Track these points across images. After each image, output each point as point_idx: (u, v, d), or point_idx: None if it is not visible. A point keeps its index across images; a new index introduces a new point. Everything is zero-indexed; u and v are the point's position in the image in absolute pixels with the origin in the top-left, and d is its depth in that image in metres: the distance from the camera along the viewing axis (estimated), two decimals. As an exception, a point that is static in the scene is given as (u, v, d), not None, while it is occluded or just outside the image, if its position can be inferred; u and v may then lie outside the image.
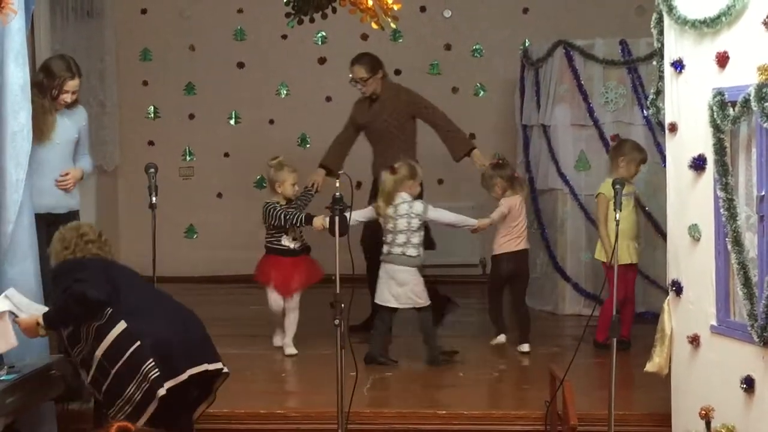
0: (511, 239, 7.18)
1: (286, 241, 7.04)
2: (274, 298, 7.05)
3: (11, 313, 4.78)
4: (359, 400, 5.55)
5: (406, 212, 6.83)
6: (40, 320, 4.68)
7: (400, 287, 6.80)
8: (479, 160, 7.52)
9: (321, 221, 6.80)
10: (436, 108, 7.74)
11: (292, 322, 7.04)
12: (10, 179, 5.19)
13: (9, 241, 5.18)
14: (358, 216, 6.80)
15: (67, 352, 4.86)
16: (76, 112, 6.16)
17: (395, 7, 5.47)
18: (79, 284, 4.58)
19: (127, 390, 4.53)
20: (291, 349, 6.99)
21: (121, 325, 4.58)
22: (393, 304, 6.84)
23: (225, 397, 5.18)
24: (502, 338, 7.19)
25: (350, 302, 5.11)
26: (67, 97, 6.04)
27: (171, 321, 4.73)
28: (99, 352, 4.59)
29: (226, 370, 4.85)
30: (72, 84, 6.05)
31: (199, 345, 4.74)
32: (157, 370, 4.51)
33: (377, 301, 6.93)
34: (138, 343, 4.54)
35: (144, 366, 4.52)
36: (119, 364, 4.56)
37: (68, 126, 6.08)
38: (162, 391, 4.50)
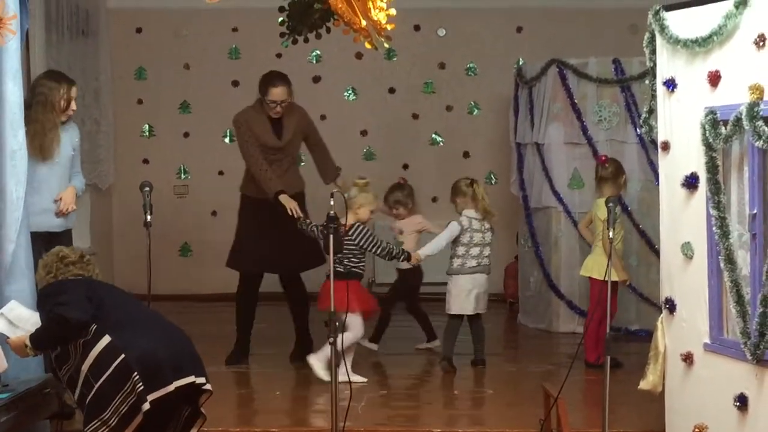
0: None
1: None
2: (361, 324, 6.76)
3: (1, 334, 4.78)
4: (354, 418, 5.54)
5: (479, 228, 7.15)
6: (27, 342, 4.69)
7: (481, 293, 7.14)
8: (345, 185, 7.21)
9: (418, 256, 7.09)
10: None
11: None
12: (11, 197, 5.19)
13: (11, 260, 5.18)
14: (444, 239, 7.11)
15: (55, 373, 4.85)
16: (70, 129, 6.14)
17: (389, 27, 5.49)
18: (59, 308, 4.59)
19: (113, 403, 4.49)
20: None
21: (106, 339, 4.55)
22: (471, 311, 7.13)
23: (219, 415, 5.18)
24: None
25: (344, 320, 5.12)
26: (74, 105, 6.03)
27: (157, 334, 4.69)
28: (85, 367, 4.57)
29: (209, 387, 4.78)
30: (75, 90, 6.06)
31: (185, 357, 4.71)
32: (142, 383, 4.48)
33: (453, 311, 7.12)
34: (122, 356, 4.50)
35: (130, 379, 4.48)
36: (104, 377, 4.52)
37: (66, 143, 6.06)
38: (146, 405, 4.46)
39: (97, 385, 4.53)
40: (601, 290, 6.90)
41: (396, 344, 7.75)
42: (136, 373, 4.46)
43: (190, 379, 4.64)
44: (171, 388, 4.55)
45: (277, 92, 7.08)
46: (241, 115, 7.24)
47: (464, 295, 7.09)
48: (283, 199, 6.88)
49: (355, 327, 6.56)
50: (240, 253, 7.24)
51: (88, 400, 4.56)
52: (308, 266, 7.24)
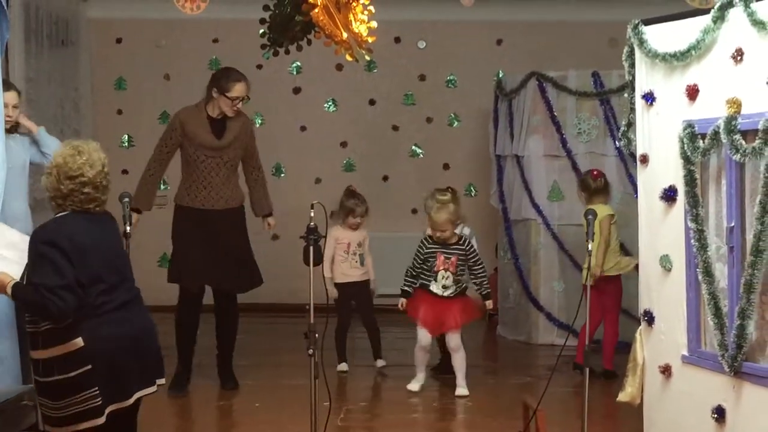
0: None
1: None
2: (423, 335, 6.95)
3: None
4: (334, 430, 5.53)
5: None
6: (9, 291, 4.34)
7: None
8: (273, 224, 7.20)
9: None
10: None
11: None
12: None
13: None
14: None
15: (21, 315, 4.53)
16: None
17: (369, 40, 5.51)
18: (46, 293, 4.19)
19: (71, 399, 4.28)
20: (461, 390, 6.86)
21: (78, 343, 4.25)
22: None
23: (199, 426, 5.17)
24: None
25: (324, 332, 5.11)
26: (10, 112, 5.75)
27: (131, 333, 4.38)
28: (51, 354, 4.30)
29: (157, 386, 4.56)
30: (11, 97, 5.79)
31: (153, 363, 4.49)
32: (99, 399, 4.25)
33: None
34: (89, 366, 4.25)
35: (87, 392, 4.25)
36: (67, 375, 4.27)
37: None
38: (101, 420, 4.27)
39: (58, 377, 4.29)
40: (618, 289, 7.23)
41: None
42: (97, 388, 4.25)
43: (152, 389, 4.48)
44: (130, 401, 4.38)
45: (239, 88, 6.79)
46: (179, 112, 6.93)
47: None
48: (134, 218, 6.26)
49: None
50: (179, 265, 6.88)
51: (43, 380, 4.33)
52: (243, 287, 6.92)
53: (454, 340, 6.84)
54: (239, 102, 6.84)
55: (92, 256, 4.32)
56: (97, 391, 4.27)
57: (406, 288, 6.85)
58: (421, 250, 6.83)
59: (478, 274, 6.88)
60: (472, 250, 6.88)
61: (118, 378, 4.32)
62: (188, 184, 6.87)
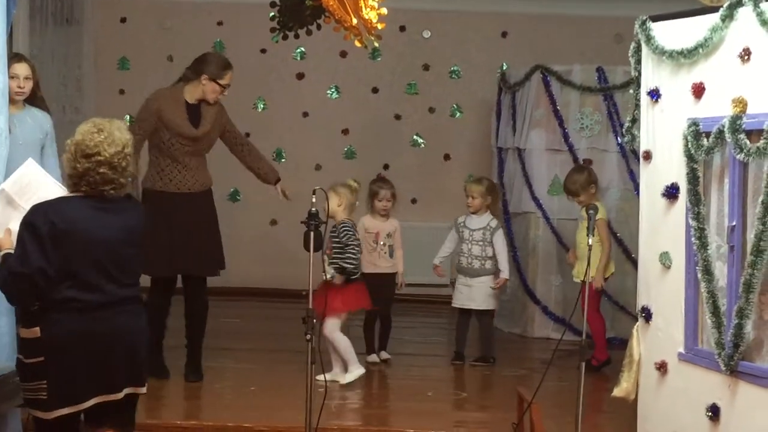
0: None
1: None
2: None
3: None
4: (328, 417, 5.54)
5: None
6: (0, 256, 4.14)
7: None
8: (287, 189, 7.04)
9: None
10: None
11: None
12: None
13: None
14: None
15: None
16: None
17: (379, 26, 5.49)
18: (6, 278, 4.00)
19: (24, 383, 4.14)
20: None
21: (36, 332, 4.05)
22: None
23: (193, 409, 5.17)
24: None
25: (322, 317, 5.12)
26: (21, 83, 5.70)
27: (98, 337, 4.07)
28: (21, 333, 4.13)
29: (144, 390, 4.29)
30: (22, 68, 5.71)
31: (122, 369, 4.15)
32: (45, 394, 4.03)
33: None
34: (41, 359, 4.03)
35: (37, 383, 4.06)
36: (25, 359, 4.10)
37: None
38: (49, 415, 4.05)
39: (20, 357, 4.14)
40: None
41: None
42: (45, 382, 4.04)
43: (116, 396, 4.15)
44: (85, 405, 4.11)
45: (230, 75, 6.62)
46: (155, 97, 6.63)
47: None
48: None
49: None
50: (148, 255, 6.52)
51: (17, 355, 4.20)
52: (212, 271, 6.77)
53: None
54: (222, 92, 6.65)
55: (75, 248, 4.02)
56: (45, 385, 4.05)
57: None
58: None
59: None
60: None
61: (71, 380, 4.05)
62: (160, 168, 6.62)
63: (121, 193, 4.18)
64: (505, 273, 7.42)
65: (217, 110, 6.75)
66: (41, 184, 4.30)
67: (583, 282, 5.20)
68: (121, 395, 4.18)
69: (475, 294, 7.44)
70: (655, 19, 5.07)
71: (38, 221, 3.99)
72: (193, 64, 6.70)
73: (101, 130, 4.15)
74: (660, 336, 5.07)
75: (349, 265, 6.65)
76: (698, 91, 4.75)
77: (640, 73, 5.20)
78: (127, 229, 4.19)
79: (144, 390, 4.30)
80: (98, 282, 4.08)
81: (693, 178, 4.74)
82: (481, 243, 7.40)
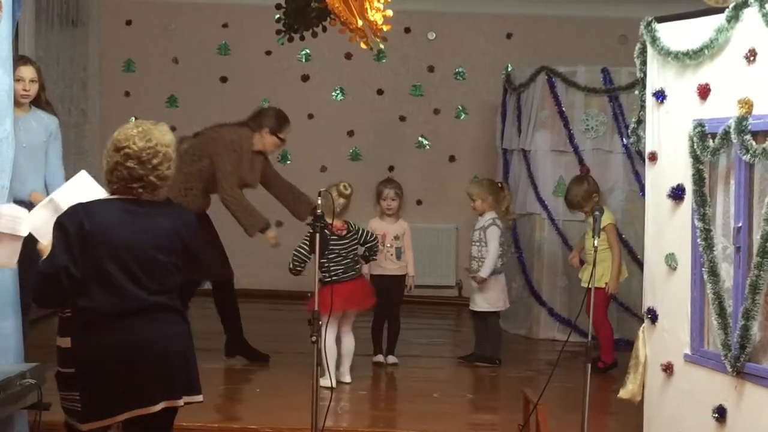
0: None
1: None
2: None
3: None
4: (334, 418, 5.55)
5: None
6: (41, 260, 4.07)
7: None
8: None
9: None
10: None
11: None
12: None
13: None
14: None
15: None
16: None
17: (384, 28, 5.50)
18: (36, 279, 3.96)
19: (62, 393, 4.12)
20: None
21: (67, 342, 4.02)
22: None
23: (198, 410, 5.15)
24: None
25: (327, 319, 5.11)
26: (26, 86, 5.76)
27: (125, 346, 3.96)
28: (58, 343, 4.09)
29: (181, 403, 4.12)
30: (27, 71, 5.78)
31: (156, 380, 4.02)
32: (79, 405, 3.99)
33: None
34: (72, 370, 4.00)
35: (72, 393, 4.03)
36: (62, 369, 4.09)
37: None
38: (85, 427, 4.00)
39: (59, 368, 4.12)
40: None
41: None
42: (78, 394, 3.99)
43: (153, 408, 4.02)
44: (120, 418, 4.02)
45: (289, 129, 7.12)
46: (243, 140, 6.97)
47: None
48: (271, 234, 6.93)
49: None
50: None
51: (57, 368, 4.15)
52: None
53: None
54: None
55: (101, 251, 3.92)
56: (78, 398, 4.01)
57: None
58: None
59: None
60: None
61: (103, 393, 3.97)
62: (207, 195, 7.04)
63: (156, 196, 4.04)
64: (483, 271, 7.29)
65: (263, 160, 7.15)
66: (91, 195, 4.20)
67: (589, 288, 5.17)
68: (157, 408, 4.04)
69: (475, 294, 7.44)
70: (661, 20, 5.06)
71: (68, 221, 3.95)
72: (255, 118, 7.07)
73: (138, 126, 4.09)
74: (666, 337, 5.06)
75: (290, 263, 6.66)
76: (704, 92, 4.74)
77: (645, 74, 5.20)
78: (159, 235, 4.03)
79: (181, 403, 4.12)
80: (126, 286, 3.95)
81: (699, 179, 4.73)
82: (477, 243, 7.38)
